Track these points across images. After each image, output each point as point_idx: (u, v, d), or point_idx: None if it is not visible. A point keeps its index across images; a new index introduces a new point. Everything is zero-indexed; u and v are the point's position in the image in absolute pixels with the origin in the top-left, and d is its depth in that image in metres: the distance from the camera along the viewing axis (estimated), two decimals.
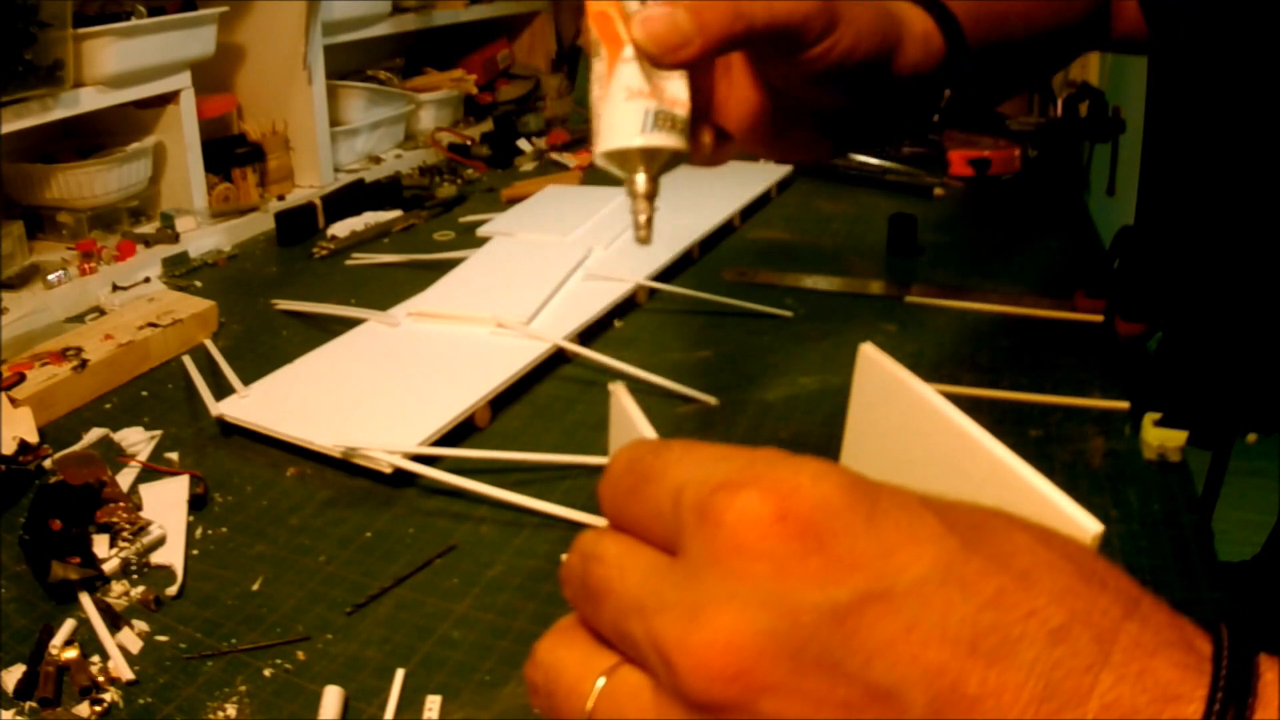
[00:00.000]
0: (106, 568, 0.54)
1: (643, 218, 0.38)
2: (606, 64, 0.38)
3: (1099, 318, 0.80)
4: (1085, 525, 0.26)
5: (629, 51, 0.37)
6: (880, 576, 0.21)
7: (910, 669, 0.20)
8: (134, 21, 0.98)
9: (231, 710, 0.44)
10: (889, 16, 0.43)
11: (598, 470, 0.61)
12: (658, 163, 0.38)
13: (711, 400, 0.71)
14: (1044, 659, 0.20)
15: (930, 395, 0.33)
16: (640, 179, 0.38)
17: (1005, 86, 0.60)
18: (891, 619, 0.21)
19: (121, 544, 0.56)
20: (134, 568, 0.55)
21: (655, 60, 0.36)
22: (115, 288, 0.96)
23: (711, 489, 0.22)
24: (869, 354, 0.44)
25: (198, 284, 1.00)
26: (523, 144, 1.51)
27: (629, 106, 0.37)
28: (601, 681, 0.24)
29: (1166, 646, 0.21)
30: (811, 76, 0.41)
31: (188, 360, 0.81)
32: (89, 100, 0.96)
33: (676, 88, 0.38)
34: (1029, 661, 0.20)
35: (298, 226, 1.13)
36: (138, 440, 0.68)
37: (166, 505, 0.60)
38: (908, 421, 0.36)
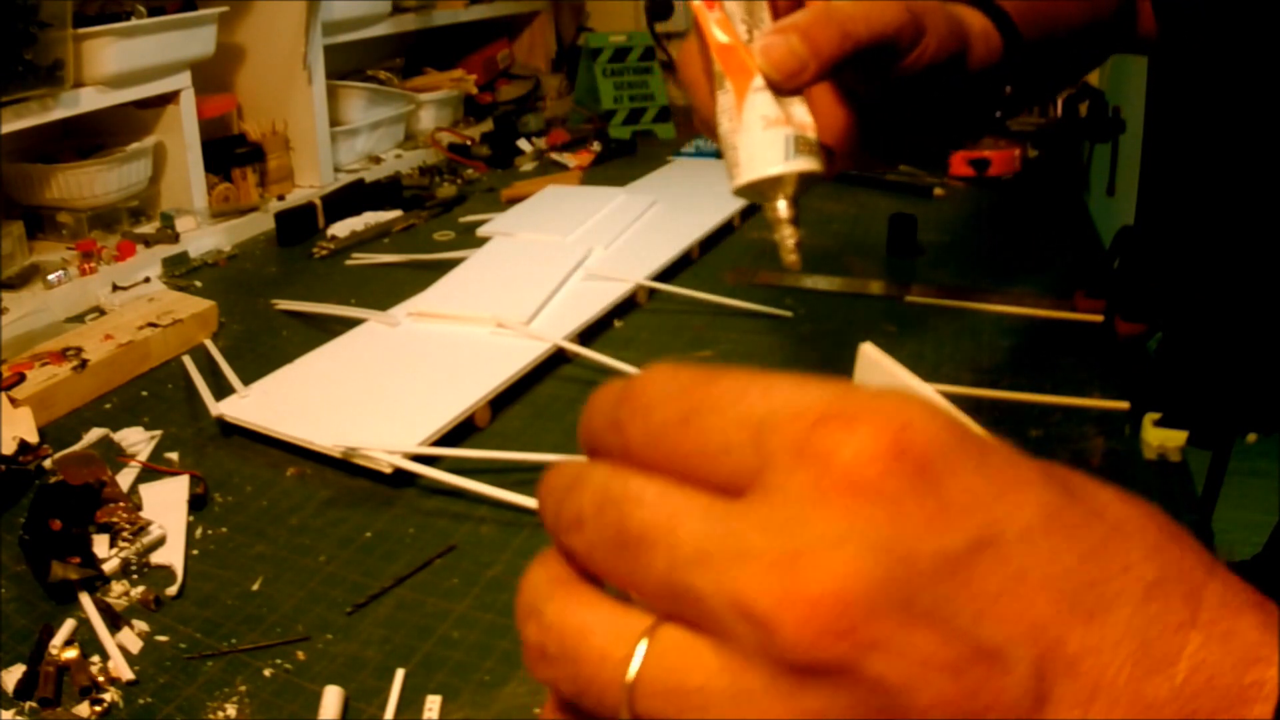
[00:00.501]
0: (106, 568, 0.54)
1: (791, 241, 0.39)
2: (734, 96, 0.39)
3: (1099, 318, 0.80)
4: None
5: (759, 81, 0.38)
6: (991, 522, 0.19)
7: (1016, 626, 0.19)
8: (134, 21, 0.98)
9: (231, 710, 0.44)
10: (955, 17, 0.45)
11: None
12: (795, 186, 0.39)
13: None
14: (1139, 616, 0.19)
15: (931, 395, 0.33)
16: (783, 205, 0.39)
17: (1051, 84, 0.61)
18: (1000, 569, 0.19)
19: (121, 544, 0.56)
20: (134, 568, 0.55)
21: (778, 86, 0.38)
22: (115, 288, 0.96)
23: (813, 422, 0.20)
24: (869, 354, 0.44)
25: (198, 284, 1.00)
26: (523, 144, 1.51)
27: (768, 135, 0.38)
28: (644, 645, 0.21)
29: (1249, 608, 0.20)
30: (894, 84, 0.42)
31: (188, 360, 0.81)
32: (89, 100, 0.96)
33: (802, 112, 0.39)
34: (1125, 619, 0.19)
35: (298, 226, 1.13)
36: (138, 440, 0.68)
37: (166, 505, 0.60)
38: None
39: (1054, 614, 0.19)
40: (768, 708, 0.19)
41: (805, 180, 0.38)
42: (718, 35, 0.39)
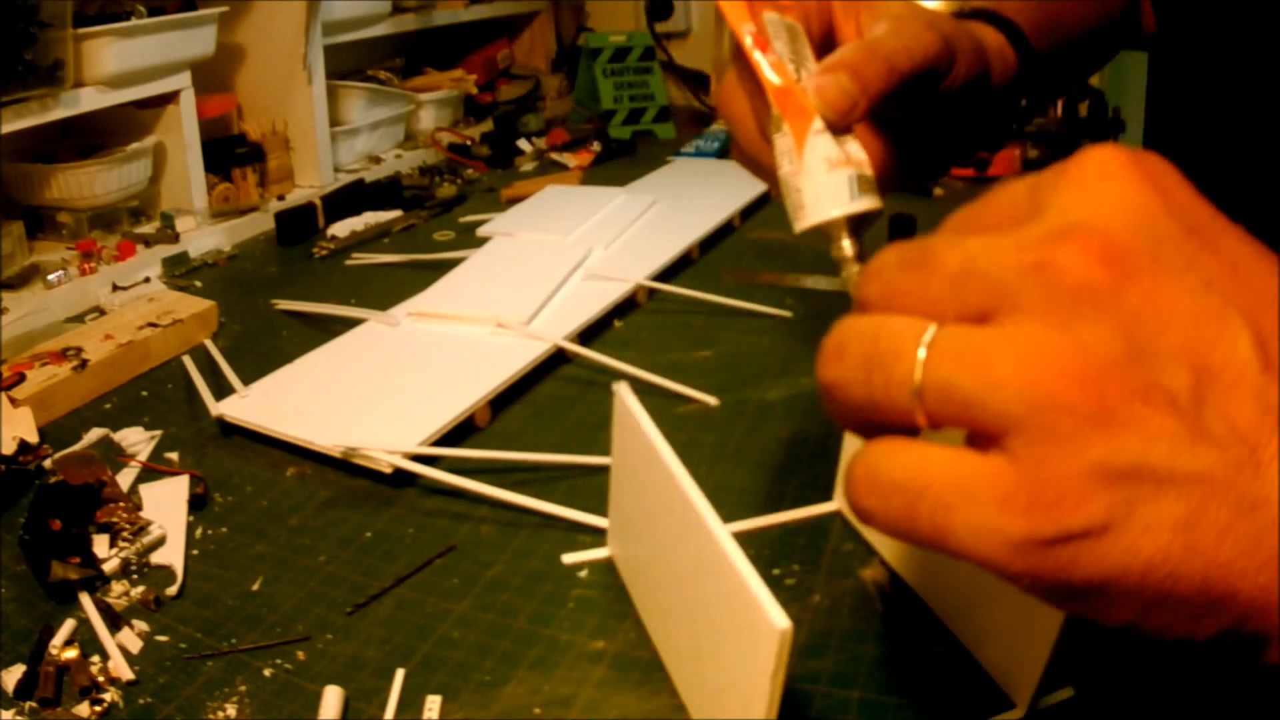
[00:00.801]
0: (106, 568, 0.54)
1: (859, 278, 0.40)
2: (793, 139, 0.39)
3: None
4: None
5: (819, 124, 0.39)
6: (1211, 223, 0.24)
7: (1237, 300, 0.22)
8: (134, 21, 0.98)
9: (231, 710, 0.44)
10: (972, 34, 0.46)
11: (598, 470, 0.61)
12: (856, 223, 0.40)
13: (711, 400, 0.71)
14: None
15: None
16: (847, 244, 0.40)
17: (1059, 88, 0.62)
18: (1221, 256, 0.23)
19: (121, 544, 0.56)
20: (134, 568, 0.55)
21: (833, 125, 0.39)
22: (115, 288, 0.96)
23: (1073, 159, 0.25)
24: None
25: (198, 284, 1.00)
26: (523, 144, 1.51)
27: (832, 177, 0.39)
28: (934, 328, 0.24)
29: None
30: (924, 108, 0.43)
31: (188, 360, 0.81)
32: (89, 100, 0.96)
33: (856, 149, 0.40)
34: None
35: (298, 226, 1.13)
36: (138, 440, 0.68)
37: (166, 505, 0.60)
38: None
39: (1264, 305, 0.23)
40: (1047, 343, 0.22)
41: (869, 218, 0.39)
42: (772, 78, 0.39)
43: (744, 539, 0.44)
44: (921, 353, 0.24)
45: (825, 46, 0.43)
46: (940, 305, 0.25)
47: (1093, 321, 0.22)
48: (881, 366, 0.24)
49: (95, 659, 0.48)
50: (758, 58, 0.40)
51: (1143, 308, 0.22)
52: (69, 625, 0.50)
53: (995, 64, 0.47)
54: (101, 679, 0.46)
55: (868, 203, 0.39)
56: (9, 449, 0.65)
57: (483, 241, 1.04)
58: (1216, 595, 0.22)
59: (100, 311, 0.92)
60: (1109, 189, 0.24)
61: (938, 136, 0.47)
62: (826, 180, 0.38)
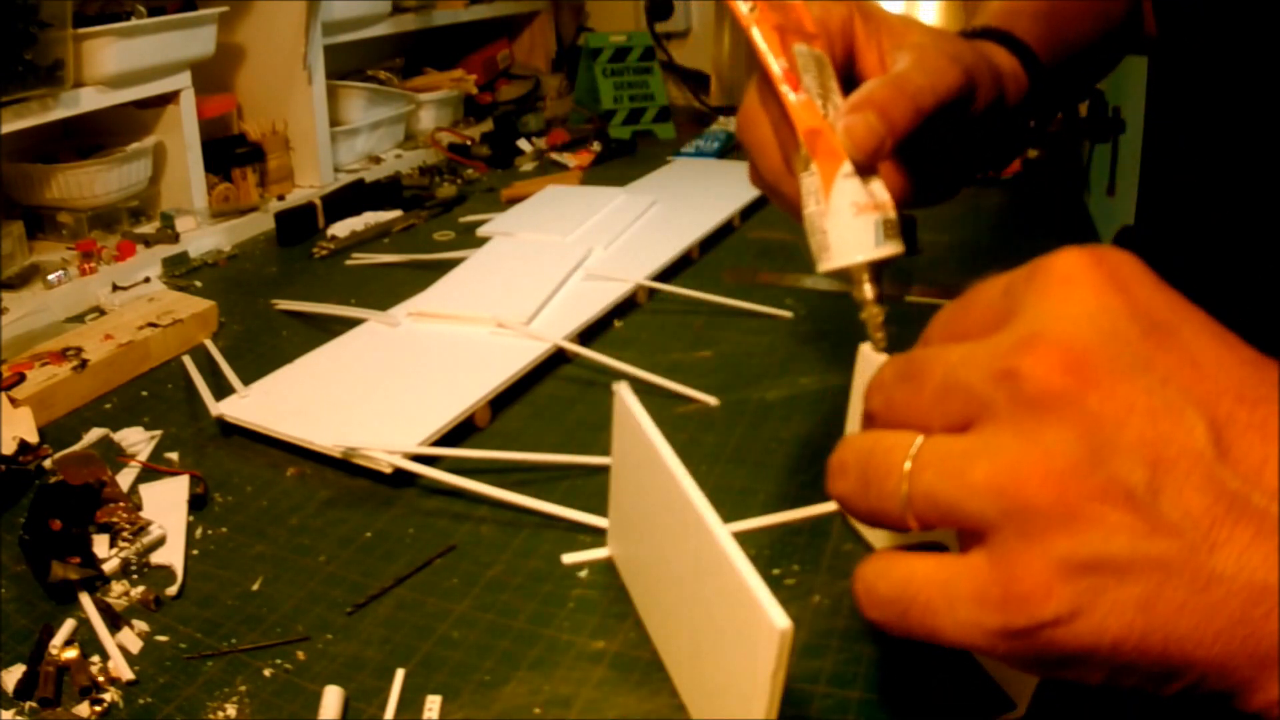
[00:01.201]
0: (106, 568, 0.54)
1: (879, 319, 0.41)
2: (820, 179, 0.39)
3: None
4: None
5: (848, 168, 0.39)
6: (1172, 316, 0.26)
7: (1192, 393, 0.24)
8: (134, 21, 0.98)
9: (231, 710, 0.44)
10: (988, 59, 0.46)
11: (598, 470, 0.61)
12: (878, 267, 0.40)
13: (711, 400, 0.71)
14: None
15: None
16: (868, 288, 0.40)
17: (1066, 102, 0.62)
18: (1179, 349, 0.25)
19: (121, 544, 0.56)
20: (134, 568, 0.55)
21: (861, 164, 0.39)
22: (115, 288, 0.96)
23: (1040, 261, 0.28)
24: (868, 354, 0.45)
25: (198, 284, 1.00)
26: (523, 144, 1.51)
27: (859, 221, 0.39)
28: (920, 439, 0.27)
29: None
30: (942, 135, 0.43)
31: (188, 360, 0.81)
32: (89, 100, 0.96)
33: (880, 189, 0.40)
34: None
35: (298, 226, 1.13)
36: (138, 440, 0.68)
37: (166, 505, 0.60)
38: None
39: (1221, 393, 0.24)
40: (1014, 449, 0.25)
41: (890, 261, 0.40)
42: (804, 118, 0.39)
43: (744, 539, 0.44)
44: (908, 465, 0.26)
45: (846, 71, 0.43)
46: (929, 416, 0.27)
47: (1055, 426, 0.24)
48: (876, 480, 0.27)
49: (95, 659, 0.48)
50: (789, 96, 0.39)
51: (1101, 410, 0.24)
52: (69, 625, 0.50)
53: (1010, 86, 0.47)
54: (101, 679, 0.46)
55: (892, 248, 0.39)
56: (9, 449, 0.65)
57: (483, 241, 1.04)
58: (1176, 662, 0.24)
59: (100, 311, 0.92)
60: (1072, 295, 0.26)
61: (953, 160, 0.47)
62: (853, 225, 0.39)
